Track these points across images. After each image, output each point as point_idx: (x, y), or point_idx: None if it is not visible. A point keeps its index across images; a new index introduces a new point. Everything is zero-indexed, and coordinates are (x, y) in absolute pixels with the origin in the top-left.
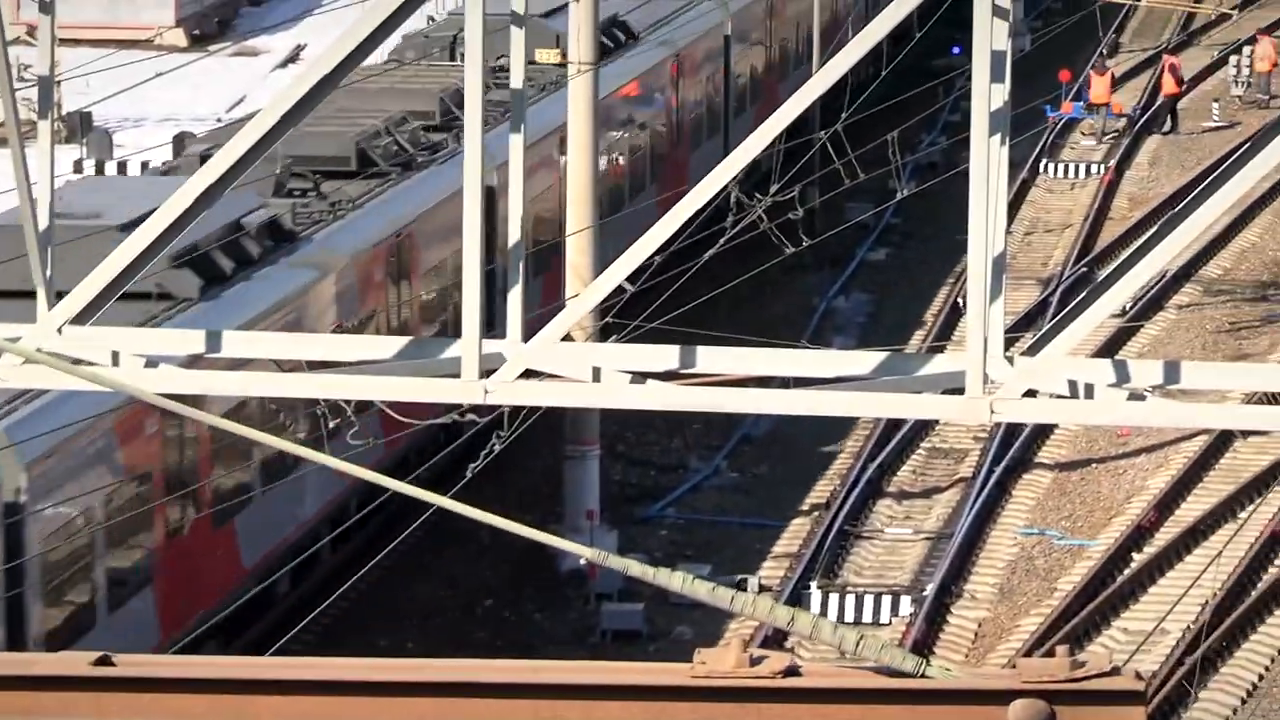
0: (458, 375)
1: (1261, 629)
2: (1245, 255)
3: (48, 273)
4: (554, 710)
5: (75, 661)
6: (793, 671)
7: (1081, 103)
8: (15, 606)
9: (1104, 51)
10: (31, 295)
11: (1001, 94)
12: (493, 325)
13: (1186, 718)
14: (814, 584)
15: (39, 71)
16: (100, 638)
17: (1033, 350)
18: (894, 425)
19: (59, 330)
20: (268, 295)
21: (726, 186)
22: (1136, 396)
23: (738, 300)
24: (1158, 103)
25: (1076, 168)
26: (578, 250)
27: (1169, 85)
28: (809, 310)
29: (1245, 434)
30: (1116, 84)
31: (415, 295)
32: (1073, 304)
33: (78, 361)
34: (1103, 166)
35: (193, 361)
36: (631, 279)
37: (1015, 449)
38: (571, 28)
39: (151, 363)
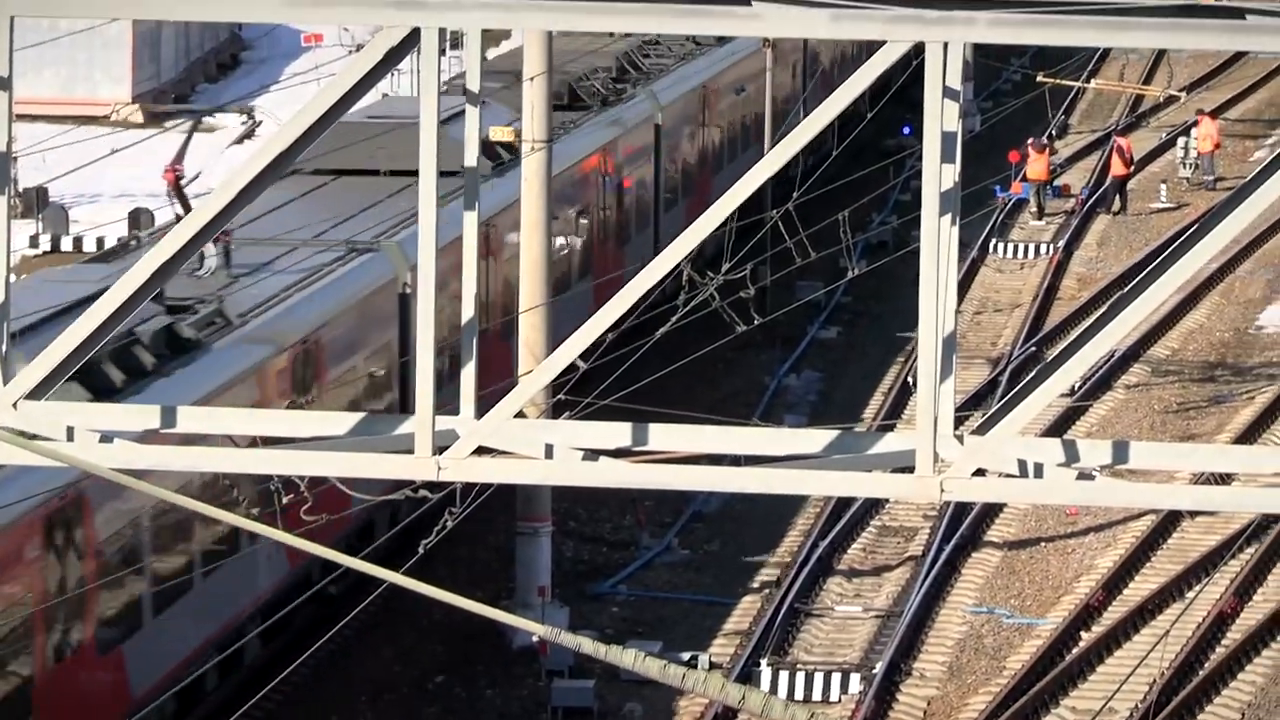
0: (411, 451)
1: (1209, 709)
2: (1193, 336)
3: (3, 348)
4: None
5: None
6: None
7: (1029, 183)
8: None
9: (1051, 134)
10: None
11: (952, 174)
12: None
13: None
14: (764, 661)
15: None
16: None
17: (982, 429)
18: (844, 503)
19: (14, 406)
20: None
21: (679, 265)
22: (1085, 476)
23: (690, 378)
24: (1106, 183)
25: (1026, 248)
26: (530, 327)
27: (1117, 166)
28: (760, 388)
29: (1193, 514)
30: (1066, 165)
31: (617, 185)
32: (1022, 383)
33: (33, 437)
34: (1052, 246)
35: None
36: (584, 356)
37: (965, 527)
38: (525, 106)
39: (106, 438)
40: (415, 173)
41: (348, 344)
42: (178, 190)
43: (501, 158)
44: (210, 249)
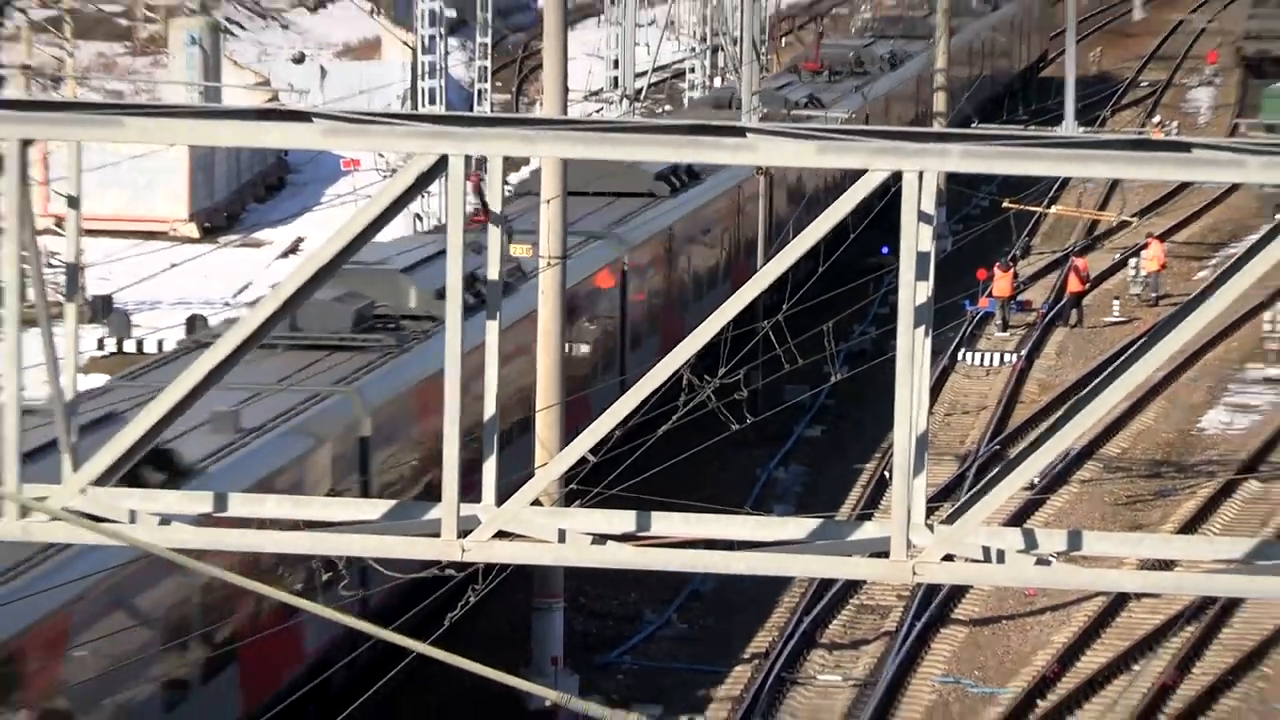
0: (438, 535)
1: None
2: (1141, 436)
3: (71, 439)
4: None
5: None
6: None
7: (995, 298)
8: None
9: (1015, 255)
10: None
11: (925, 290)
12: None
13: None
14: None
15: (66, 259)
16: None
17: (951, 519)
18: (826, 584)
19: (82, 491)
20: (701, 199)
21: (679, 369)
22: (1043, 561)
23: (689, 470)
24: (1064, 299)
25: (991, 356)
26: (545, 425)
27: (1074, 283)
28: (752, 480)
29: (1139, 596)
30: (1029, 282)
31: (743, 215)
32: (987, 478)
33: (98, 519)
34: (1015, 355)
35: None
36: (594, 450)
37: (934, 606)
38: (542, 226)
39: (165, 520)
40: (629, 194)
41: (590, 297)
42: (478, 192)
43: (675, 184)
44: None
